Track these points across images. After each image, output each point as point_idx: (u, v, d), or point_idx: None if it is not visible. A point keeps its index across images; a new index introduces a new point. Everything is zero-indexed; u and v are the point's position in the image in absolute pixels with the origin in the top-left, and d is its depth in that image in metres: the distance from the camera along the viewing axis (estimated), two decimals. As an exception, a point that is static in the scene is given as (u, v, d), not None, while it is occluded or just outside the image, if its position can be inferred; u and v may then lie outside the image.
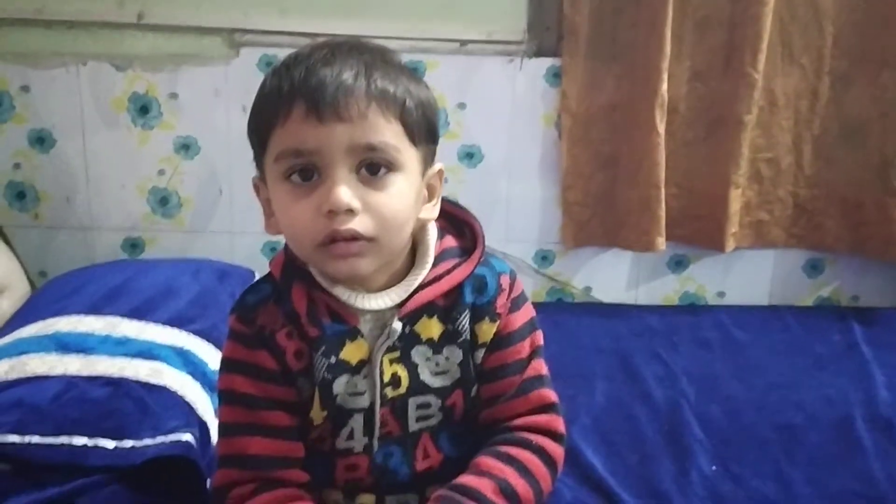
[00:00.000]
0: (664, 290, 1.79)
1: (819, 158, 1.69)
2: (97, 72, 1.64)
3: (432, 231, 0.85)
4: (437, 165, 0.83)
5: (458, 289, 0.83)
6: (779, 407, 1.34)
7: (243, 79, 1.63)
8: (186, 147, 1.69)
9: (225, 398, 0.84)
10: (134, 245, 1.74)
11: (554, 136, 1.69)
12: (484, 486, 0.79)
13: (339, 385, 0.81)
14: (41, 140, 1.67)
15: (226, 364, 0.84)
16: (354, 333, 0.81)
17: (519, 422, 0.86)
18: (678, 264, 1.78)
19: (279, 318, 0.82)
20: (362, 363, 0.82)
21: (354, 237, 0.74)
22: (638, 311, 1.70)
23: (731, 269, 1.77)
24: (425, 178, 0.81)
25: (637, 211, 1.66)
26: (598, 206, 1.71)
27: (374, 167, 0.75)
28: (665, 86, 1.58)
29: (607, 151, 1.68)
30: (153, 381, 1.10)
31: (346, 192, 0.73)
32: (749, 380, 1.42)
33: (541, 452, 0.84)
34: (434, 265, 0.83)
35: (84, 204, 1.71)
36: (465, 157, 1.70)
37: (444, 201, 0.86)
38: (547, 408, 0.87)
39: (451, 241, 0.85)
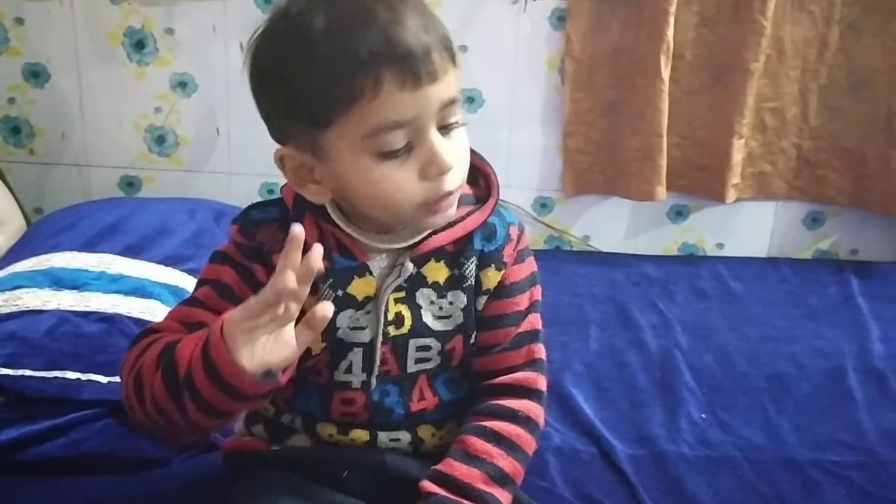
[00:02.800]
0: (663, 240, 1.78)
1: (825, 109, 1.65)
2: (91, 4, 1.61)
3: None
4: None
5: (467, 235, 0.84)
6: (771, 357, 1.34)
7: (242, 15, 1.60)
8: (183, 84, 1.66)
9: (205, 283, 0.82)
10: (130, 183, 1.73)
11: (557, 81, 1.66)
12: (474, 477, 0.81)
13: (343, 319, 0.82)
14: (35, 74, 1.65)
15: (219, 257, 0.83)
16: (363, 270, 0.81)
17: (505, 379, 0.87)
18: (678, 214, 1.77)
19: (279, 242, 0.77)
20: (367, 299, 0.82)
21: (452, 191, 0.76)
22: (636, 261, 1.69)
23: (732, 221, 1.76)
24: None
25: (638, 160, 1.63)
26: (600, 154, 1.68)
27: (448, 120, 0.75)
28: (671, 31, 1.54)
29: (610, 98, 1.65)
30: (147, 318, 1.10)
31: (448, 152, 0.74)
32: (743, 330, 1.42)
33: (527, 422, 0.86)
34: None
35: (79, 140, 1.70)
36: (465, 101, 1.67)
37: None
38: (533, 363, 0.89)
39: (465, 189, 0.85)
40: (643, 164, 1.63)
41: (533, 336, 0.89)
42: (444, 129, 0.75)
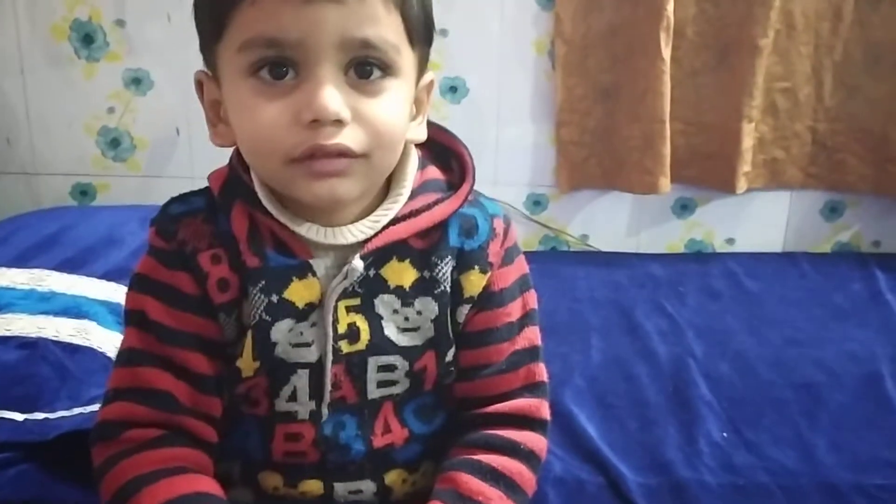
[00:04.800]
0: (668, 236, 1.66)
1: (841, 88, 1.53)
2: (33, -4, 1.48)
3: (412, 158, 0.71)
4: (429, 75, 0.70)
5: (440, 229, 0.70)
6: (797, 364, 1.20)
7: (198, 3, 1.46)
8: (137, 81, 1.53)
9: (133, 320, 0.69)
10: (84, 192, 1.59)
11: (547, 66, 1.54)
12: None
13: (280, 331, 0.67)
14: (-25, 75, 1.51)
15: (139, 281, 0.69)
16: (304, 270, 0.67)
17: (502, 407, 0.72)
18: (684, 208, 1.64)
19: (205, 237, 0.68)
20: (311, 307, 0.68)
21: (341, 153, 0.61)
22: (639, 260, 1.57)
23: (743, 213, 1.63)
24: (417, 89, 0.68)
25: (639, 149, 1.51)
26: (596, 145, 1.56)
27: (366, 68, 0.61)
28: (671, 6, 1.42)
29: (606, 82, 1.52)
30: (77, 341, 0.96)
31: (334, 97, 0.60)
32: (763, 334, 1.29)
33: (529, 457, 0.71)
34: (411, 198, 0.69)
35: (26, 146, 1.56)
36: (448, 91, 1.54)
37: (428, 124, 0.72)
38: (534, 387, 0.74)
39: (434, 173, 0.72)
40: (644, 153, 1.51)
41: (532, 354, 0.74)
42: (363, 78, 0.61)
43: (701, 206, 1.64)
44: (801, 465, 0.98)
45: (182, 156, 1.57)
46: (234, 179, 0.68)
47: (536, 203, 1.63)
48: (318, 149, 0.60)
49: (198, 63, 0.69)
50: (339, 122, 0.60)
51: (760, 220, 1.64)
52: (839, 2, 1.49)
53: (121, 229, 1.27)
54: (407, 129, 0.67)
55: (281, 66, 0.60)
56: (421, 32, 0.65)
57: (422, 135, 0.70)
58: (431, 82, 0.70)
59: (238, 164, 0.68)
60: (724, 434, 1.04)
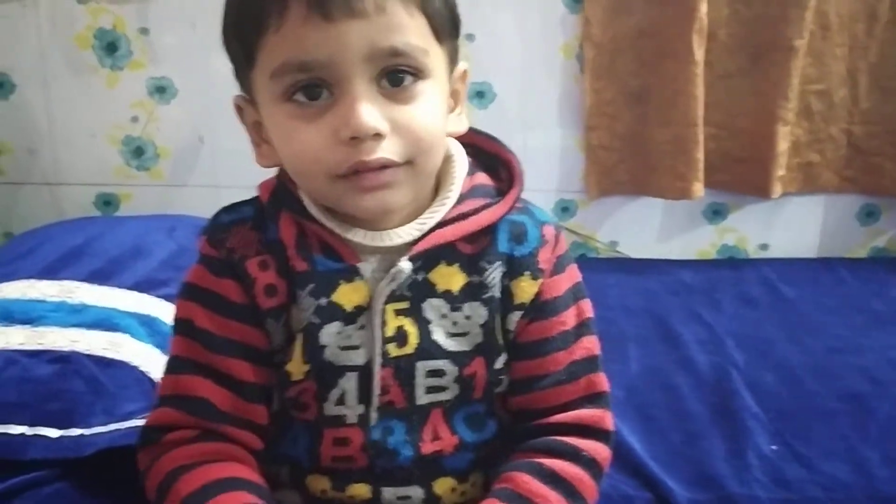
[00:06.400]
0: (700, 242, 1.62)
1: (876, 90, 1.50)
2: (56, 5, 1.46)
3: (460, 161, 0.71)
4: (462, 65, 0.69)
5: (489, 234, 0.69)
6: (841, 373, 1.16)
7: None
8: (161, 90, 1.51)
9: (180, 328, 0.70)
10: (107, 202, 1.57)
11: (575, 70, 1.51)
12: None
13: (329, 334, 0.67)
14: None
15: (187, 290, 0.70)
16: (352, 273, 0.67)
17: (564, 417, 0.70)
18: (716, 213, 1.60)
19: (254, 245, 0.68)
20: (359, 310, 0.67)
21: (384, 166, 0.61)
22: (671, 267, 1.53)
23: (776, 218, 1.59)
24: (451, 83, 0.67)
25: (671, 154, 1.48)
26: (626, 150, 1.53)
27: (397, 76, 0.61)
28: (704, 7, 1.39)
29: (636, 86, 1.49)
30: (110, 355, 0.94)
31: (370, 112, 0.60)
32: (803, 342, 1.25)
33: (591, 465, 0.69)
34: (459, 202, 0.69)
35: (49, 156, 1.54)
36: (474, 97, 1.51)
37: (474, 133, 0.72)
38: (596, 398, 0.72)
39: (484, 179, 0.71)
40: (676, 158, 1.48)
41: (591, 364, 0.72)
42: (396, 86, 0.61)
43: (733, 212, 1.60)
44: (854, 478, 0.95)
45: (205, 164, 1.55)
46: (282, 189, 0.69)
47: (565, 209, 1.60)
48: (362, 165, 0.61)
49: (221, 71, 0.69)
50: (378, 136, 0.60)
51: (795, 225, 1.60)
52: (874, 2, 1.45)
53: (147, 239, 1.25)
54: (446, 127, 0.67)
55: (314, 87, 0.61)
56: (447, 27, 0.65)
57: (462, 126, 0.70)
58: (465, 72, 0.70)
59: (284, 176, 0.69)
60: (773, 447, 1.00)
